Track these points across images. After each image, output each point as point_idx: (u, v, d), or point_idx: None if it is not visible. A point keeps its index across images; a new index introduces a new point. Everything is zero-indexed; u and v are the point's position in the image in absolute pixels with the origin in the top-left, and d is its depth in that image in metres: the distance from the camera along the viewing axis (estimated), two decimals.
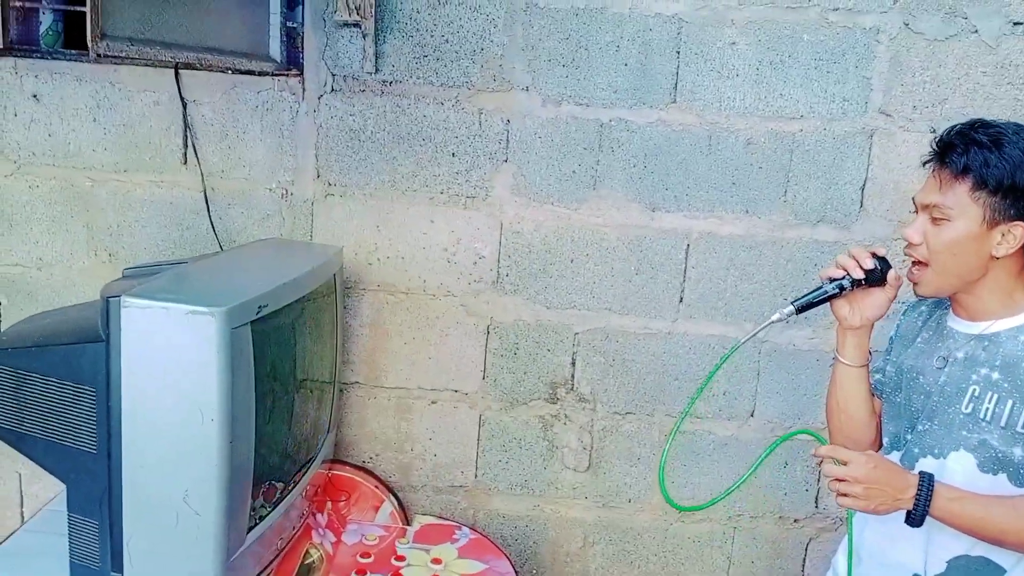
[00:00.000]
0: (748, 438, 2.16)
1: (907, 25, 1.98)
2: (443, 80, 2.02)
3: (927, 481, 1.31)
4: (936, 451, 1.39)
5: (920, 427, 1.42)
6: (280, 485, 1.57)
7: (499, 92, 2.03)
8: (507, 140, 2.05)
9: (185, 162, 2.06)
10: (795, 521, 2.21)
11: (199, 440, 1.28)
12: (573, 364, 2.15)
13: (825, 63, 2.00)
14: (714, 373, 1.47)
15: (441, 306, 2.12)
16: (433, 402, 2.17)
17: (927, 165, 1.38)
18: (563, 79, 2.02)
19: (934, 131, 2.00)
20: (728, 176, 2.05)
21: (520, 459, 2.19)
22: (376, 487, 2.03)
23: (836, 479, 1.31)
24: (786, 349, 2.12)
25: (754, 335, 1.43)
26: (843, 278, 1.40)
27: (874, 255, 1.41)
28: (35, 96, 2.04)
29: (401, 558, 1.85)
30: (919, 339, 1.50)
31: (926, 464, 1.39)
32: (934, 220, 1.34)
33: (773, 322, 1.40)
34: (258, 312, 1.35)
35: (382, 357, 2.14)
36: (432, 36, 2.01)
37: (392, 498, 2.04)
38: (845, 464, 1.30)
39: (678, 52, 2.01)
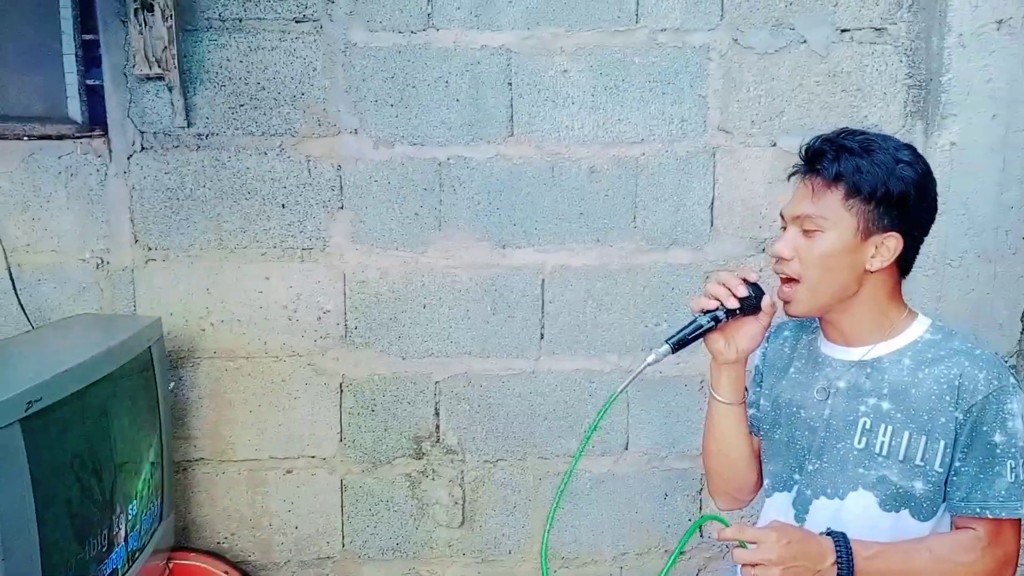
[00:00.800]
0: (624, 472, 2.08)
1: (736, 41, 1.96)
2: (264, 129, 1.90)
3: (843, 543, 1.19)
4: (830, 491, 1.29)
5: (809, 466, 1.32)
6: None
7: (326, 137, 1.92)
8: (340, 186, 1.94)
9: None
10: (681, 553, 2.14)
11: None
12: (437, 414, 2.04)
13: (660, 84, 1.96)
14: (595, 426, 1.33)
15: (286, 368, 1.98)
16: (288, 471, 2.02)
17: (793, 178, 1.30)
18: (393, 119, 1.92)
19: (774, 144, 1.99)
20: (575, 206, 1.99)
21: (389, 522, 2.06)
22: (225, 572, 1.87)
23: (750, 565, 1.17)
24: (654, 378, 2.06)
25: (633, 380, 1.28)
26: (717, 309, 1.27)
27: (745, 281, 1.29)
28: None
29: None
30: (792, 369, 1.40)
31: (821, 506, 1.30)
32: (806, 232, 1.25)
33: (650, 363, 1.26)
34: (28, 408, 1.19)
35: (227, 429, 1.99)
36: (247, 84, 1.88)
37: None
38: (754, 544, 1.17)
39: (510, 84, 1.93)
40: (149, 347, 1.67)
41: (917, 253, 1.29)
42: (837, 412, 1.30)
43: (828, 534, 1.22)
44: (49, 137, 1.84)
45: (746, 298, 1.27)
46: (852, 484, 1.27)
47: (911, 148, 1.27)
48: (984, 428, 1.21)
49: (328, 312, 1.97)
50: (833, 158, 1.23)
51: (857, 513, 1.26)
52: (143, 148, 1.88)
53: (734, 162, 2.00)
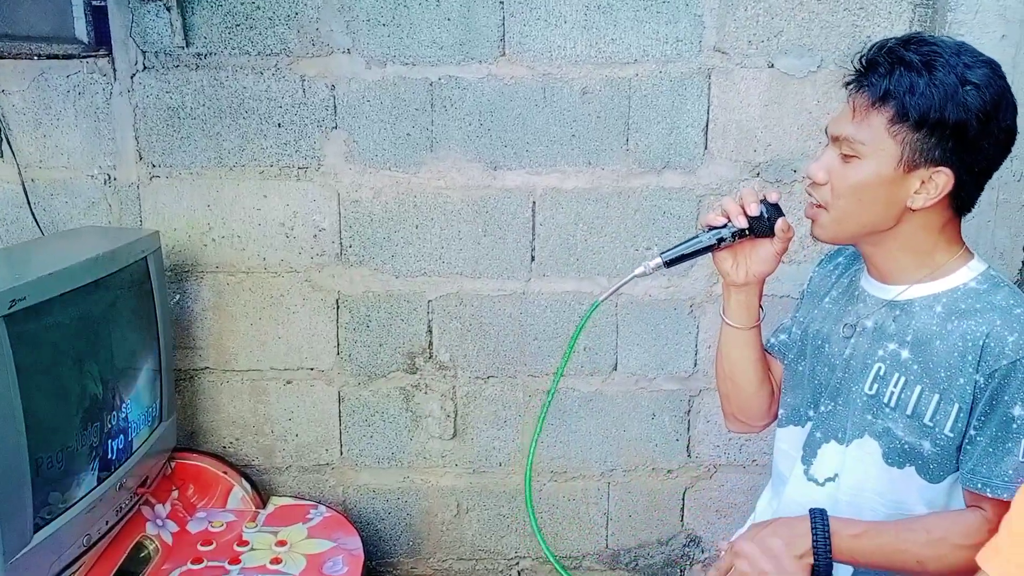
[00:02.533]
0: (612, 392, 2.12)
1: None
2: (259, 49, 1.93)
3: (820, 519, 1.13)
4: (840, 436, 1.22)
5: (823, 407, 1.26)
6: (83, 480, 1.52)
7: (320, 57, 1.94)
8: (334, 106, 1.97)
9: (1, 155, 1.97)
10: (669, 472, 2.18)
11: None
12: (429, 332, 2.10)
13: (655, 3, 1.92)
14: (577, 334, 1.31)
15: (285, 283, 2.06)
16: (288, 382, 2.12)
17: (849, 88, 1.15)
18: (385, 39, 1.94)
19: (772, 65, 1.95)
20: (567, 128, 1.99)
21: (384, 432, 2.15)
22: (224, 472, 1.99)
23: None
24: (643, 300, 2.07)
25: (616, 290, 1.22)
26: (724, 227, 1.17)
27: (764, 201, 1.18)
28: None
29: (245, 543, 1.81)
30: (827, 299, 1.32)
31: (830, 450, 1.23)
32: (843, 156, 1.13)
33: (636, 275, 1.18)
34: (11, 306, 1.29)
35: (230, 340, 2.09)
36: (242, 3, 1.91)
37: (244, 482, 1.99)
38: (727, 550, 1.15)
39: (502, 2, 1.92)
40: (145, 257, 1.75)
41: (980, 190, 1.15)
42: (858, 353, 1.21)
43: (810, 512, 1.15)
44: (57, 56, 1.91)
45: (757, 218, 1.16)
46: (859, 431, 1.19)
47: (990, 66, 1.09)
48: (1005, 398, 1.08)
49: (323, 230, 2.03)
50: (885, 72, 1.08)
51: (861, 460, 1.19)
52: (145, 68, 1.94)
53: (730, 84, 1.96)
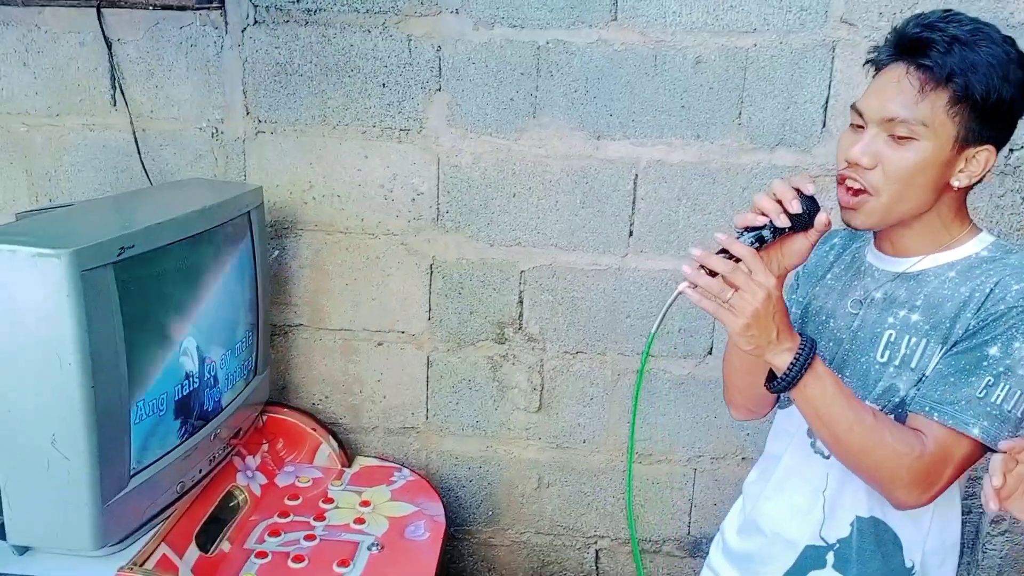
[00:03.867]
0: (706, 377, 2.05)
1: None
2: (368, 6, 1.92)
3: (810, 346, 1.09)
4: None
5: None
6: (179, 428, 1.55)
7: (428, 16, 1.91)
8: (439, 68, 1.94)
9: (114, 104, 2.02)
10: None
11: (59, 385, 1.25)
12: (520, 303, 2.07)
13: None
14: (644, 361, 1.28)
15: (381, 245, 2.06)
16: (379, 344, 2.12)
17: (889, 65, 1.11)
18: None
19: None
20: (677, 99, 1.91)
21: (470, 400, 2.14)
22: (313, 428, 2.01)
23: (724, 275, 1.04)
24: None
25: (665, 312, 1.11)
26: (764, 227, 1.09)
27: (800, 193, 1.10)
28: None
29: (330, 500, 1.83)
30: (829, 275, 1.32)
31: None
32: (897, 138, 1.08)
33: (680, 293, 1.09)
34: (120, 253, 1.31)
35: (325, 299, 2.10)
36: None
37: (332, 439, 2.01)
38: (747, 270, 1.04)
39: None
40: (248, 212, 1.77)
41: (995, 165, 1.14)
42: (867, 323, 1.20)
43: (803, 337, 1.11)
44: (171, 7, 1.94)
45: (799, 215, 1.09)
46: (865, 397, 1.17)
47: (1010, 38, 1.09)
48: (987, 337, 1.09)
49: (422, 194, 2.02)
50: (945, 50, 1.05)
51: None
52: (256, 22, 1.95)
53: (855, 58, 1.84)
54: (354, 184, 2.02)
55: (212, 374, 1.65)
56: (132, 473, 1.40)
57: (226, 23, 1.96)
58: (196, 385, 1.59)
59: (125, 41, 1.98)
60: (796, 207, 1.08)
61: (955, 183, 1.11)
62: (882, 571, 1.24)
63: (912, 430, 1.12)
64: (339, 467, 2.00)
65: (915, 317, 1.15)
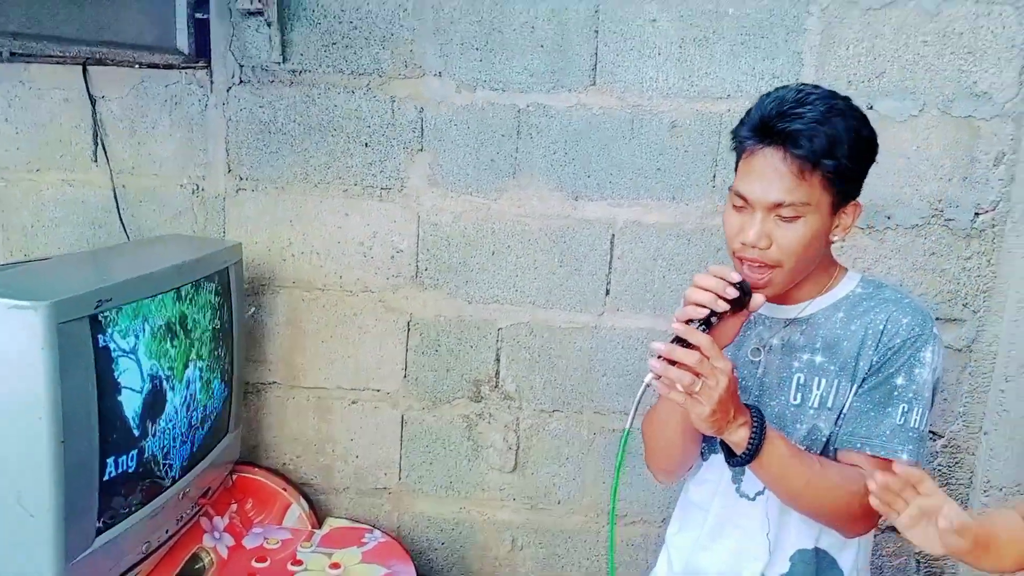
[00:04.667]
0: None
1: None
2: (353, 68, 1.96)
3: (760, 416, 1.16)
4: None
5: None
6: (148, 487, 1.51)
7: (411, 79, 1.96)
8: (421, 128, 1.98)
9: (95, 160, 2.02)
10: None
11: (29, 439, 1.22)
12: (497, 360, 2.07)
13: (752, 38, 1.89)
14: (620, 464, 1.28)
15: (359, 302, 2.05)
16: (353, 402, 2.10)
17: (761, 150, 1.17)
18: (477, 63, 1.94)
19: (871, 107, 1.88)
20: (653, 161, 1.95)
21: (444, 460, 2.11)
22: (284, 489, 1.97)
23: (688, 365, 1.09)
24: None
25: (636, 408, 1.15)
26: (707, 317, 1.14)
27: (728, 282, 1.17)
28: None
29: (299, 562, 1.78)
30: None
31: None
32: (784, 218, 1.16)
33: (648, 385, 1.13)
34: (97, 306, 1.29)
35: (299, 356, 2.08)
36: (340, 23, 1.94)
37: (302, 500, 1.97)
38: (704, 358, 1.09)
39: (596, 31, 1.91)
40: (227, 268, 1.77)
41: None
42: (771, 369, 1.28)
43: (747, 406, 1.18)
44: (157, 66, 1.97)
45: (735, 299, 1.16)
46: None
47: (846, 98, 1.19)
48: (891, 370, 1.21)
49: (401, 251, 2.03)
50: (810, 135, 1.12)
51: None
52: (241, 81, 1.98)
53: None
54: (334, 241, 2.03)
55: (184, 431, 1.62)
56: (98, 531, 1.36)
57: (212, 82, 1.99)
58: (167, 442, 1.56)
59: (109, 98, 2.00)
60: (732, 293, 1.16)
61: (834, 238, 1.22)
62: None
63: (850, 466, 1.22)
64: (309, 528, 1.95)
65: (819, 359, 1.25)
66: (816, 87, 1.19)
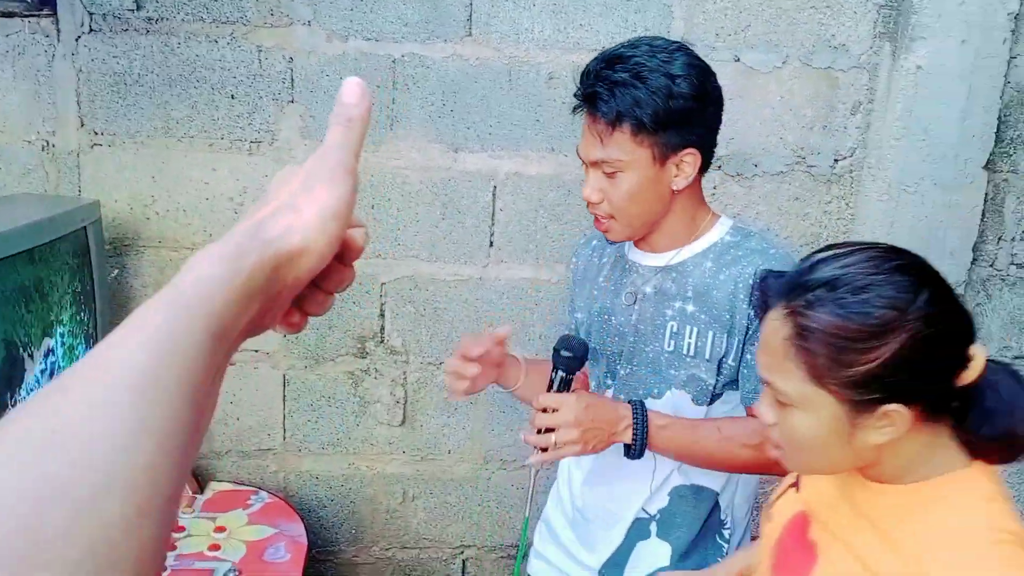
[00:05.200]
0: None
1: None
2: (215, 16, 1.85)
3: (640, 410, 1.25)
4: (642, 392, 1.35)
5: (621, 371, 1.37)
6: None
7: (279, 28, 1.87)
8: (291, 79, 1.90)
9: None
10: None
11: None
12: (382, 316, 2.05)
13: None
14: (525, 531, 1.45)
15: None
16: (232, 364, 2.04)
17: (576, 112, 1.29)
18: (348, 12, 1.87)
19: (737, 59, 1.94)
20: (531, 113, 1.95)
21: (330, 417, 2.09)
22: None
23: (546, 430, 1.22)
24: None
25: (533, 490, 1.36)
26: (559, 378, 1.27)
27: (557, 352, 1.26)
28: None
29: (181, 528, 1.74)
30: (601, 277, 1.44)
31: None
32: (608, 174, 1.26)
33: (533, 464, 1.28)
34: None
35: None
36: None
37: None
38: (556, 411, 1.22)
39: None
40: (84, 227, 1.66)
41: (714, 150, 1.32)
42: (645, 316, 1.34)
43: (629, 402, 1.27)
44: None
45: (569, 366, 1.26)
46: (667, 384, 1.33)
47: (684, 52, 1.25)
48: None
49: None
50: (608, 97, 1.21)
51: (674, 409, 1.32)
52: (91, 30, 1.84)
53: None
54: (201, 198, 1.94)
55: None
56: None
57: (58, 31, 1.84)
58: None
59: None
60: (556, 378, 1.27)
61: (676, 187, 1.27)
62: (700, 529, 1.39)
63: (749, 419, 1.30)
64: (190, 494, 1.90)
65: (690, 308, 1.31)
66: (647, 43, 1.24)
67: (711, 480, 1.38)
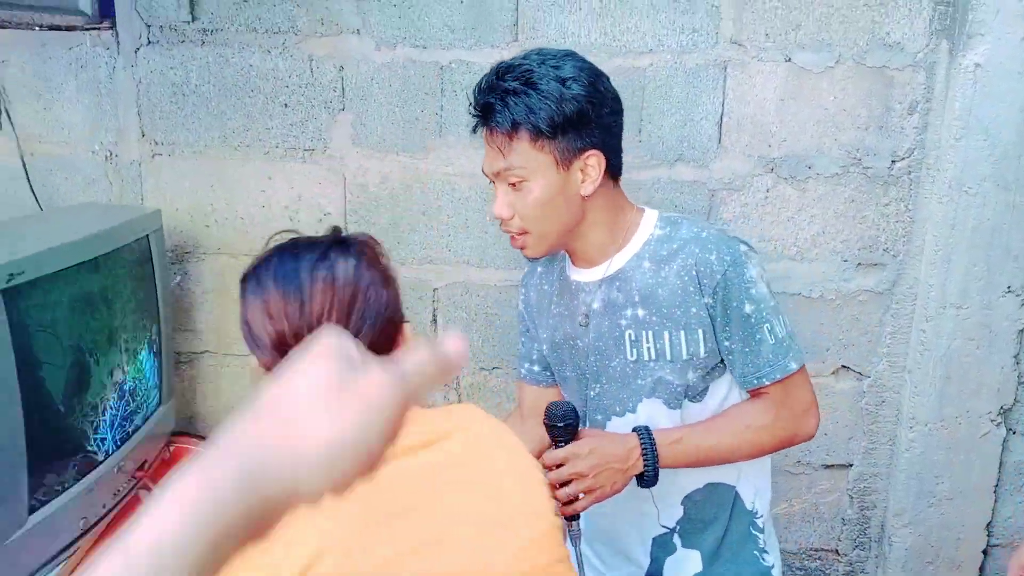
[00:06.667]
0: None
1: None
2: (267, 26, 1.89)
3: (646, 436, 1.24)
4: (619, 408, 1.33)
5: (591, 392, 1.36)
6: (80, 462, 1.49)
7: (329, 37, 1.90)
8: (342, 87, 1.93)
9: (0, 128, 1.93)
10: None
11: None
12: (434, 321, 2.07)
13: None
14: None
15: None
16: None
17: (477, 131, 1.28)
18: (396, 20, 1.90)
19: (789, 60, 1.91)
20: None
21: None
22: None
23: (561, 485, 1.22)
24: None
25: (579, 550, 1.29)
26: (557, 439, 1.25)
27: (549, 424, 1.25)
28: None
29: None
30: (554, 306, 1.41)
31: (615, 426, 1.34)
32: (512, 185, 1.23)
33: (572, 531, 1.26)
34: (9, 280, 1.25)
35: (231, 324, 2.05)
36: None
37: None
38: (561, 465, 1.21)
39: None
40: (147, 236, 1.71)
41: (621, 153, 1.30)
42: (602, 332, 1.32)
43: (634, 430, 1.26)
44: (59, 28, 1.87)
45: (564, 432, 1.24)
46: (638, 395, 1.31)
47: (572, 56, 1.24)
48: (734, 304, 1.25)
49: (328, 215, 2.00)
50: (502, 107, 1.21)
51: (650, 419, 1.30)
52: (149, 42, 1.90)
53: (746, 77, 1.93)
54: (258, 206, 1.99)
55: (113, 405, 1.59)
56: (31, 509, 1.34)
57: (118, 43, 1.90)
58: (96, 417, 1.53)
59: (11, 63, 1.90)
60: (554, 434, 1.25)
61: (585, 192, 1.24)
62: (729, 525, 1.37)
63: (754, 399, 1.31)
64: None
65: (641, 312, 1.29)
66: (536, 52, 1.24)
67: (723, 474, 1.35)
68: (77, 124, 1.93)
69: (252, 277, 0.95)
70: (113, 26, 1.88)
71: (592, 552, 1.47)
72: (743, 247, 1.28)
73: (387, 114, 1.94)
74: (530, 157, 1.21)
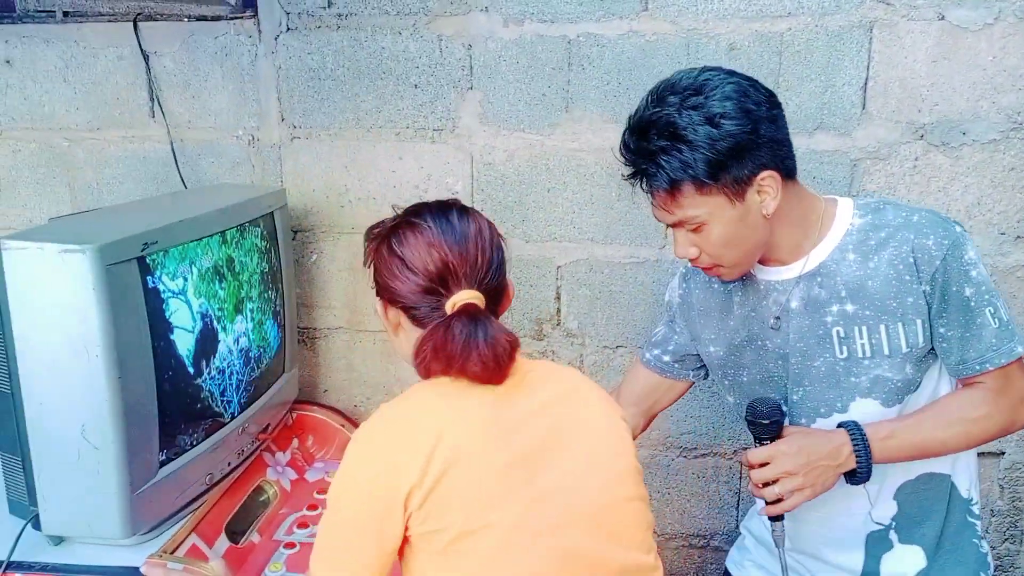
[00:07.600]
0: None
1: None
2: (399, 8, 1.93)
3: (857, 432, 1.19)
4: (824, 410, 1.27)
5: (794, 396, 1.29)
6: (208, 422, 1.58)
7: (457, 15, 1.92)
8: (470, 66, 1.95)
9: (152, 115, 2.05)
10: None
11: (88, 376, 1.27)
12: (558, 298, 2.06)
13: None
14: None
15: None
16: None
17: (639, 186, 1.24)
18: None
19: (942, 17, 1.78)
20: None
21: None
22: (342, 425, 2.03)
23: (766, 484, 1.19)
24: None
25: (783, 553, 1.26)
26: (761, 437, 1.24)
27: (752, 423, 1.24)
28: (7, 61, 2.07)
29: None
30: (735, 306, 1.35)
31: (821, 427, 1.29)
32: (692, 230, 1.21)
33: (776, 532, 1.24)
34: (144, 249, 1.33)
35: (363, 301, 2.10)
36: None
37: None
38: (766, 464, 1.18)
39: None
40: (272, 213, 1.80)
41: (792, 150, 1.24)
42: (802, 331, 1.25)
43: (840, 425, 1.21)
44: (205, 18, 1.97)
45: (767, 430, 1.23)
46: (850, 395, 1.24)
47: (709, 80, 1.16)
48: (953, 288, 1.19)
49: (456, 193, 2.02)
50: (656, 169, 1.16)
51: (862, 420, 1.23)
52: (288, 29, 1.98)
53: (894, 38, 1.80)
54: (389, 186, 2.03)
55: (238, 370, 1.67)
56: (161, 463, 1.42)
57: (259, 31, 1.98)
58: (224, 380, 1.61)
59: (161, 53, 2.02)
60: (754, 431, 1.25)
61: (767, 210, 1.19)
62: (946, 515, 1.31)
63: (967, 389, 1.24)
64: None
65: (850, 307, 1.22)
66: (670, 91, 1.19)
67: (938, 464, 1.28)
68: (222, 110, 2.04)
69: (403, 224, 1.11)
70: (255, 14, 1.97)
71: (794, 561, 1.40)
72: (958, 228, 1.21)
73: (514, 91, 1.94)
74: (700, 204, 1.17)
